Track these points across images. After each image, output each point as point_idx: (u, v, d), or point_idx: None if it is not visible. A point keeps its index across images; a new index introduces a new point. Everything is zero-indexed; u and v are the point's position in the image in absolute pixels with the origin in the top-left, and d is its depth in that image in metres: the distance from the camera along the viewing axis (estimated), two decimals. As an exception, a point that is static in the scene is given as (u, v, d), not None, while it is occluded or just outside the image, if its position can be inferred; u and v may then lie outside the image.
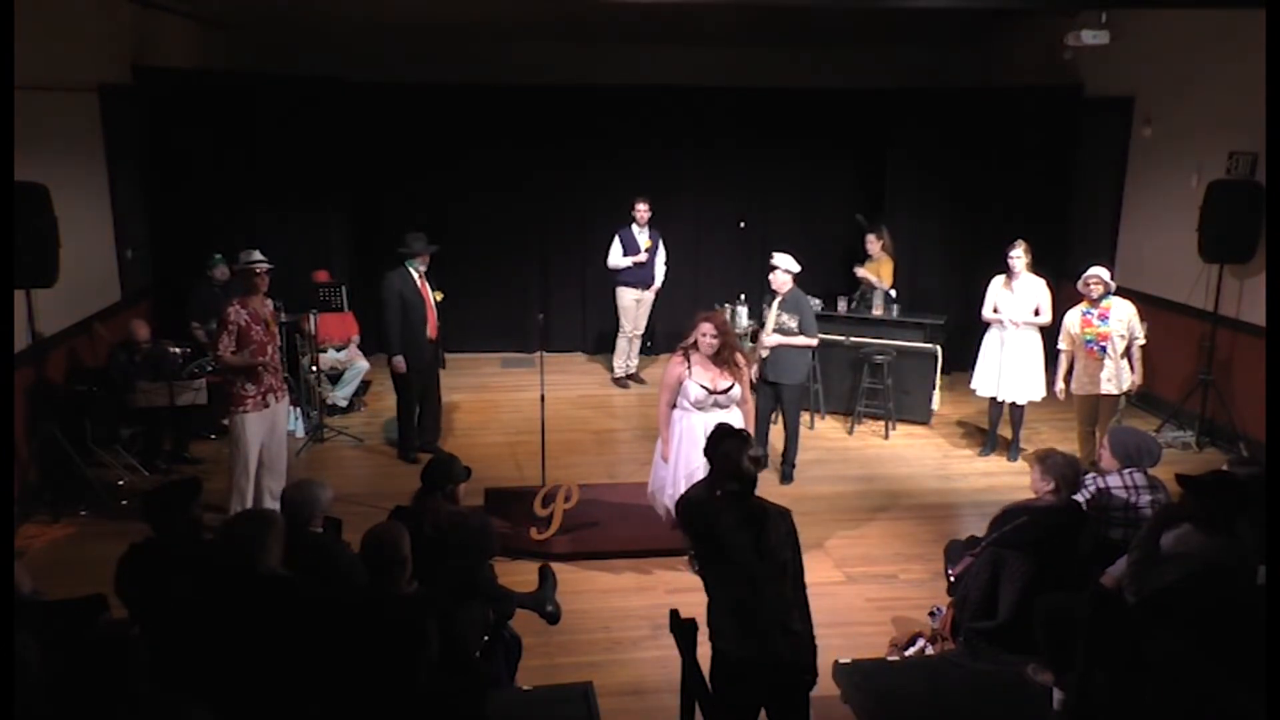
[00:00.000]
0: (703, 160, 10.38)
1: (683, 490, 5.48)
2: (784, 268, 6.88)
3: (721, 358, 5.44)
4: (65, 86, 7.13)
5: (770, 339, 6.86)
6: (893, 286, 8.80)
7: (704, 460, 5.34)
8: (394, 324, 7.20)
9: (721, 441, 3.68)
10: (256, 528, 3.59)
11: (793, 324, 6.80)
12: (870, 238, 8.98)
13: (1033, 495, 4.69)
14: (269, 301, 6.22)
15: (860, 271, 8.96)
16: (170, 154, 8.58)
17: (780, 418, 7.19)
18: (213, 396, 7.01)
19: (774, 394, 6.96)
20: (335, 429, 8.06)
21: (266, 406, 6.08)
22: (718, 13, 9.34)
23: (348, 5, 9.15)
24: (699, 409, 5.44)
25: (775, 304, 6.92)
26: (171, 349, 7.43)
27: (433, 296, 7.44)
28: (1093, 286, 6.80)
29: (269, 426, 6.14)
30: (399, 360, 7.24)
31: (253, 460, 6.07)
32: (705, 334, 5.39)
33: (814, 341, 6.99)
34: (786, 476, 7.15)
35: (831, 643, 4.90)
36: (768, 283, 7.04)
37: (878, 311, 8.50)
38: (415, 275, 7.31)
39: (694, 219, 10.46)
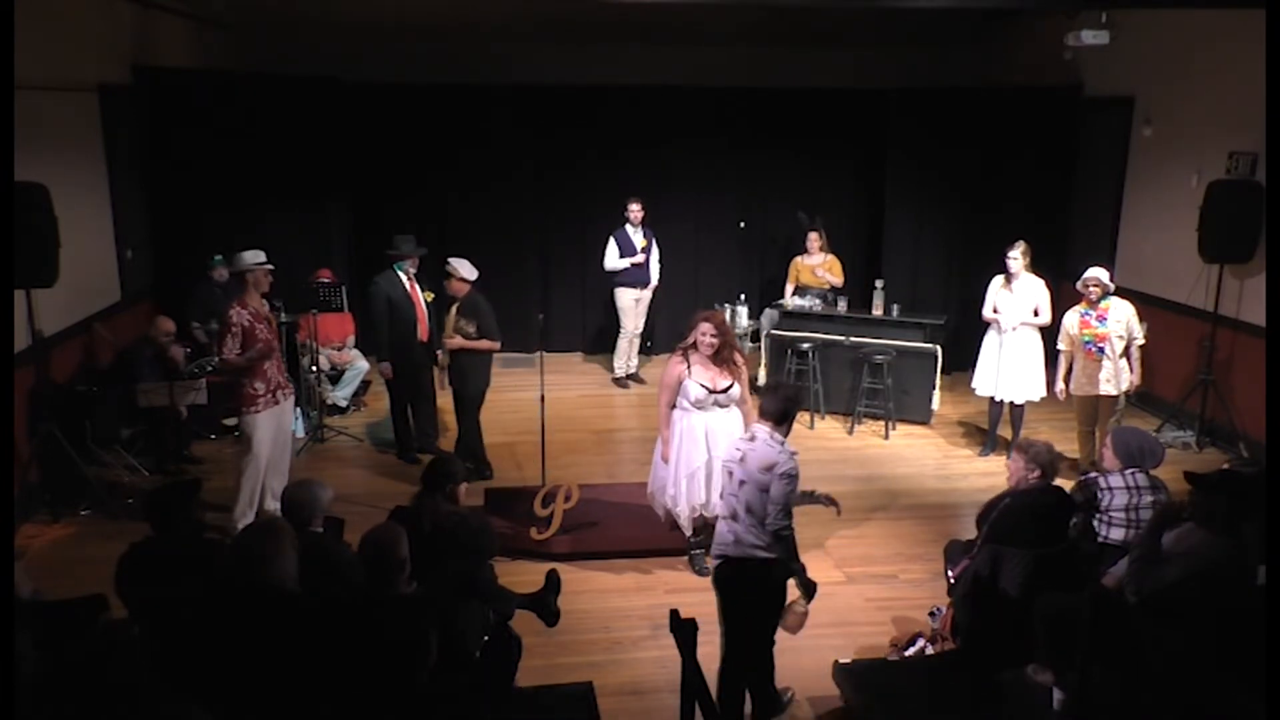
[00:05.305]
0: (702, 160, 10.37)
1: (683, 490, 5.53)
2: (459, 274, 6.89)
3: (721, 357, 5.44)
4: (65, 86, 7.13)
5: (451, 342, 6.90)
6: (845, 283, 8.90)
7: (704, 460, 5.44)
8: (382, 329, 7.19)
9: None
10: (269, 546, 3.52)
11: (470, 329, 6.85)
12: (813, 235, 8.98)
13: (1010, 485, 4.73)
14: (265, 302, 6.23)
15: (821, 273, 8.95)
16: (170, 154, 8.57)
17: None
18: (213, 396, 7.01)
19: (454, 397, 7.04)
20: (335, 429, 8.06)
21: (277, 404, 6.12)
22: (718, 13, 9.34)
23: (347, 5, 9.16)
24: (699, 409, 5.44)
25: (454, 309, 6.93)
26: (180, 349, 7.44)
27: (423, 297, 7.40)
28: (1091, 289, 6.80)
29: (277, 424, 6.17)
30: (385, 366, 7.25)
31: (264, 460, 6.07)
32: (704, 334, 5.39)
33: (496, 345, 7.00)
34: (478, 474, 7.00)
35: (832, 643, 4.93)
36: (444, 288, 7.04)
37: (878, 311, 8.51)
38: (404, 278, 7.28)
39: (694, 219, 10.45)
